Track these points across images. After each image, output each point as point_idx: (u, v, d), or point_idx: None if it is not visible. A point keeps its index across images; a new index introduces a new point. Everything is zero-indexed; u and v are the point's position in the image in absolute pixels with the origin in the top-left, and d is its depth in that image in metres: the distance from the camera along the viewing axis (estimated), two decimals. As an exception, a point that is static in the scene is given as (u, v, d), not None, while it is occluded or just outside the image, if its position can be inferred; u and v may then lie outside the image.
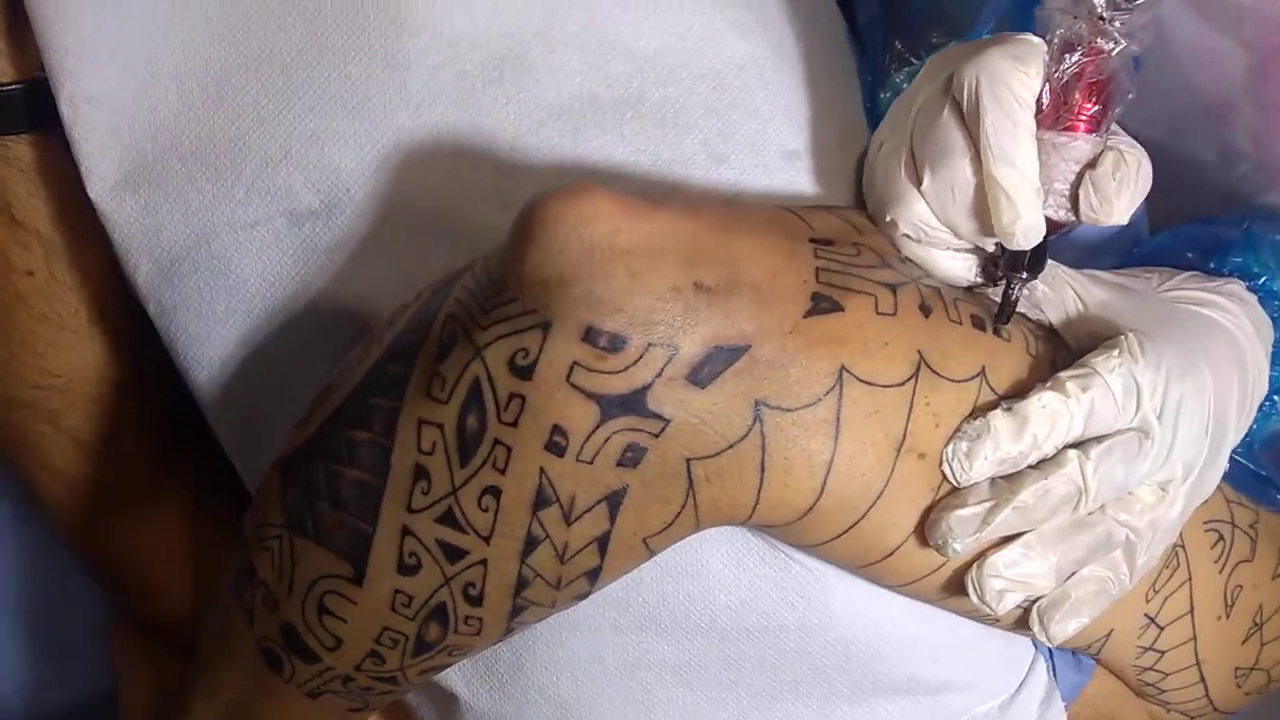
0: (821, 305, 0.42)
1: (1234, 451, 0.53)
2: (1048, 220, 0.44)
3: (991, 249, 0.46)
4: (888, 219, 0.47)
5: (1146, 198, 0.65)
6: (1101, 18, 0.42)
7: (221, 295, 0.49)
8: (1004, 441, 0.43)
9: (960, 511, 0.43)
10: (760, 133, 0.50)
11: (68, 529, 0.61)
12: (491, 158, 0.47)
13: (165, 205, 0.48)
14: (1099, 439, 0.44)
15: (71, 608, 0.70)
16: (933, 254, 0.47)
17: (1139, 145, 0.44)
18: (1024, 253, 0.44)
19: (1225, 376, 0.47)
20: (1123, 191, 0.43)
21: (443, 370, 0.40)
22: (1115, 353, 0.44)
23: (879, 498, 0.43)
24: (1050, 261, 0.48)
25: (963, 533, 0.43)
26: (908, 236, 0.46)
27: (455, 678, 0.52)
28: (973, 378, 0.44)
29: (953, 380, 0.44)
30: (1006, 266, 0.45)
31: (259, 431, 0.51)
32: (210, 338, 0.50)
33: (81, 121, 0.47)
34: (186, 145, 0.48)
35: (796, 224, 0.44)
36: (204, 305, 0.49)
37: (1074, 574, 0.46)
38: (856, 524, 0.44)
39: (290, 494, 0.44)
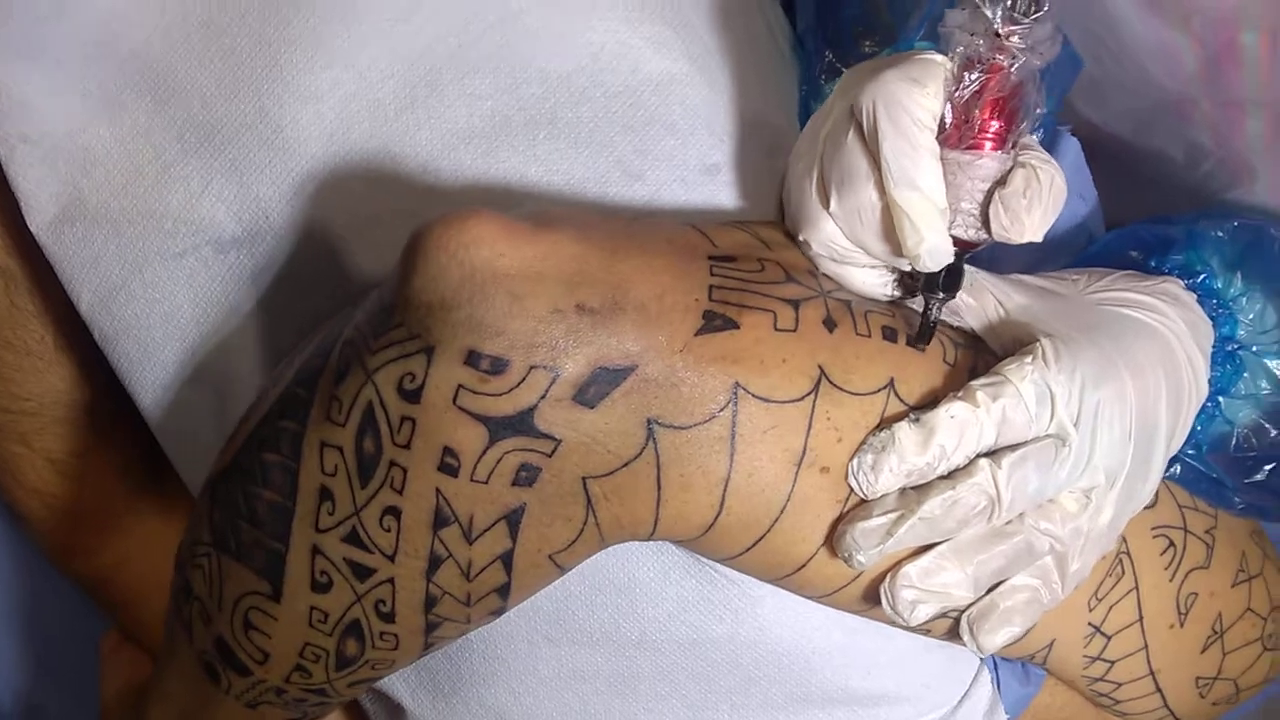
0: (714, 323, 0.42)
1: (1185, 455, 0.52)
2: (959, 240, 0.44)
3: (906, 268, 0.46)
4: (801, 238, 0.47)
5: (1117, 194, 0.64)
6: (998, 34, 0.41)
7: (158, 322, 0.51)
8: (909, 453, 0.43)
9: (864, 523, 0.43)
10: (678, 148, 0.50)
11: (49, 545, 0.64)
12: (405, 182, 0.48)
13: (100, 237, 0.50)
14: (1013, 447, 0.43)
15: (67, 620, 0.72)
16: (849, 270, 0.47)
17: (1053, 160, 0.43)
18: (938, 273, 0.44)
19: (1150, 380, 0.46)
20: (1033, 209, 0.42)
21: (339, 394, 0.41)
22: (1028, 360, 0.44)
23: (782, 512, 0.43)
24: (970, 268, 0.48)
25: (867, 545, 0.43)
26: (822, 255, 0.46)
27: (400, 688, 0.54)
28: (879, 390, 0.44)
29: (856, 394, 0.43)
30: (924, 288, 0.45)
31: (200, 451, 0.53)
32: (150, 362, 0.52)
33: (18, 160, 0.50)
34: (118, 179, 0.50)
35: (697, 241, 0.45)
36: (142, 332, 0.51)
37: (1002, 583, 0.45)
38: (763, 538, 0.44)
39: (216, 514, 0.46)
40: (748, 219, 0.50)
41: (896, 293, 0.47)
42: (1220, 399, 0.51)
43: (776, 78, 0.56)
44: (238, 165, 0.48)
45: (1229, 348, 0.51)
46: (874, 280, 0.47)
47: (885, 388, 0.44)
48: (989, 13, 0.41)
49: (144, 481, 0.65)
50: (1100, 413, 0.44)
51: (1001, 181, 0.43)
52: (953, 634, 0.47)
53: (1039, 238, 0.43)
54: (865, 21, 0.55)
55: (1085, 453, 0.44)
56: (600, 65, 0.49)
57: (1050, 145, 0.57)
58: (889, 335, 0.45)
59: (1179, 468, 0.53)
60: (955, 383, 0.45)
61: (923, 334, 0.45)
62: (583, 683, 0.51)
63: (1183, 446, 0.50)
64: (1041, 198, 0.42)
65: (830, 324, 0.44)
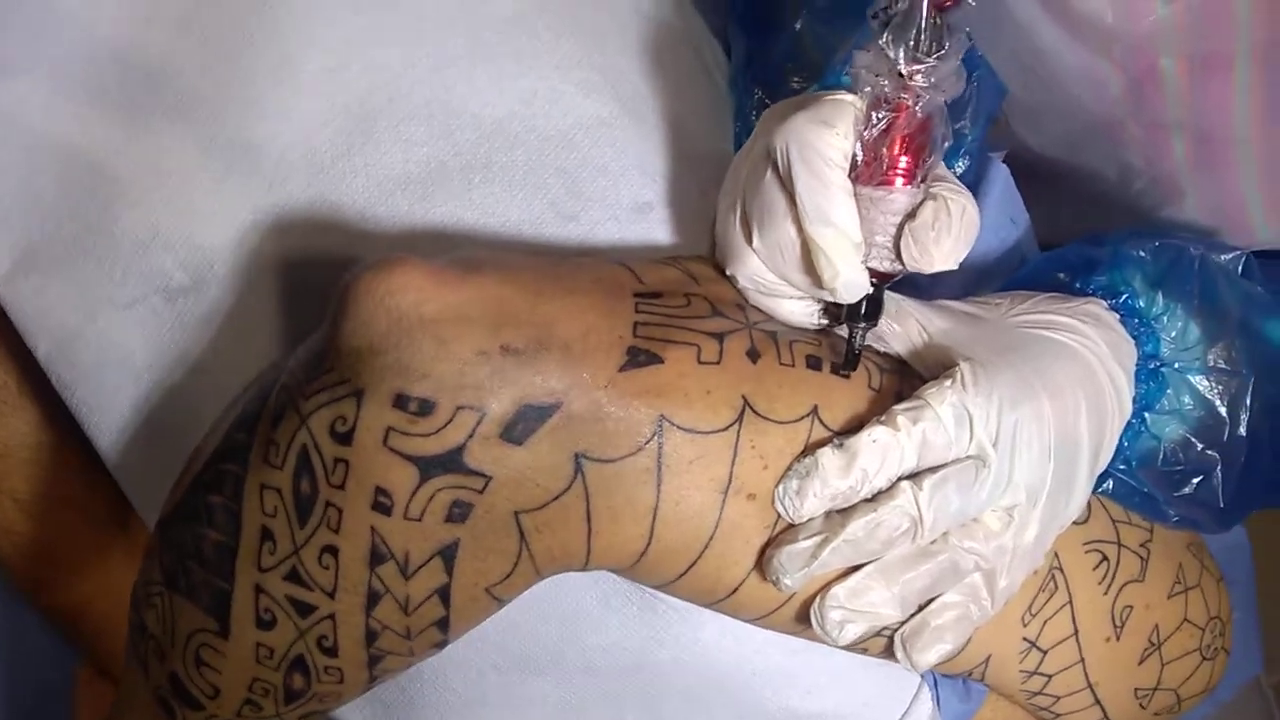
0: (639, 359, 0.43)
1: (1115, 470, 0.53)
2: (875, 271, 0.45)
3: (830, 299, 0.47)
4: (728, 273, 0.48)
5: (1058, 213, 0.66)
6: (902, 74, 0.43)
7: (112, 369, 0.52)
8: (832, 477, 0.44)
9: (791, 546, 0.44)
10: (610, 188, 0.52)
11: (18, 582, 0.65)
12: (343, 228, 0.50)
13: (53, 289, 0.52)
14: (934, 469, 0.45)
15: (40, 655, 0.74)
16: (776, 302, 0.48)
17: (965, 190, 0.45)
18: (858, 303, 0.46)
19: (1068, 399, 0.47)
20: (941, 240, 0.44)
21: (276, 438, 0.43)
22: (947, 383, 0.45)
23: (711, 539, 0.45)
24: (895, 295, 0.50)
25: (793, 568, 0.44)
26: (749, 288, 0.48)
27: (355, 717, 0.55)
28: (802, 418, 0.45)
29: (779, 422, 0.45)
30: (846, 317, 0.46)
31: (157, 492, 0.54)
32: (108, 408, 0.53)
33: None
34: (68, 232, 0.51)
35: (625, 279, 0.46)
36: (98, 378, 0.53)
37: (933, 601, 0.47)
38: (694, 564, 0.45)
39: (166, 554, 0.47)
40: (681, 254, 0.51)
41: (824, 321, 0.49)
42: (1146, 415, 0.52)
43: (713, 116, 0.58)
44: (183, 216, 0.50)
45: (1152, 365, 0.52)
46: (801, 310, 0.48)
47: (809, 415, 0.45)
48: (892, 54, 0.42)
49: (110, 520, 0.66)
50: (1018, 433, 0.45)
51: (913, 214, 0.44)
52: (889, 652, 0.48)
53: (952, 266, 0.44)
54: (794, 59, 0.56)
55: (1005, 472, 0.45)
56: (533, 110, 0.51)
57: (980, 172, 0.59)
58: (813, 364, 0.47)
59: (1111, 483, 0.54)
60: (880, 407, 0.46)
61: (848, 361, 0.47)
62: (531, 708, 0.52)
63: (1113, 462, 0.52)
64: (951, 229, 0.44)
65: (754, 355, 0.46)
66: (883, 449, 0.44)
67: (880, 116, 0.43)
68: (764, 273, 0.47)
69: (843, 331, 0.49)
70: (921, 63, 0.42)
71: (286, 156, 0.50)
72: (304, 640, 0.45)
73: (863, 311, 0.46)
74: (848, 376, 0.47)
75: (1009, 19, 0.60)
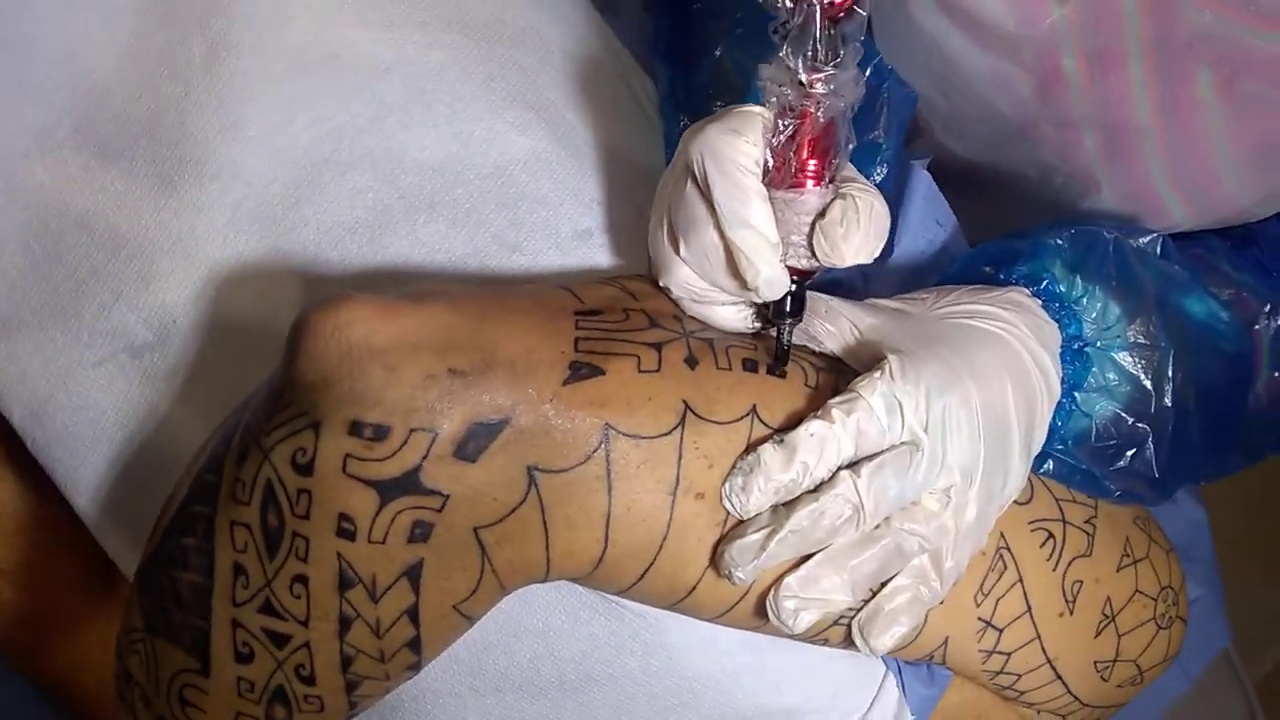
0: (581, 372, 0.46)
1: (1054, 451, 0.56)
2: (795, 269, 0.48)
3: (758, 300, 0.50)
4: (661, 284, 0.51)
5: (987, 214, 0.69)
6: (803, 82, 0.46)
7: (85, 428, 0.54)
8: (774, 472, 0.46)
9: (740, 540, 0.46)
10: (550, 218, 0.54)
11: (6, 650, 0.67)
12: (297, 276, 0.52)
13: (24, 355, 0.54)
14: (871, 457, 0.47)
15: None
16: (710, 309, 0.51)
17: (873, 188, 0.48)
18: (782, 300, 0.48)
19: (995, 383, 0.49)
20: (851, 235, 0.46)
21: (242, 475, 0.45)
22: (876, 375, 0.47)
23: (665, 539, 0.47)
24: (826, 296, 0.52)
25: (743, 560, 0.46)
26: (683, 297, 0.51)
27: (340, 749, 0.56)
28: (742, 418, 0.48)
29: (720, 423, 0.47)
30: (773, 315, 0.49)
31: (136, 547, 0.56)
32: (82, 466, 0.55)
33: None
34: (36, 300, 0.54)
35: (565, 300, 0.49)
36: (71, 439, 0.55)
37: (885, 586, 0.49)
38: (652, 566, 0.47)
39: (145, 600, 0.49)
40: (620, 274, 0.54)
41: (757, 324, 0.51)
42: (1076, 394, 0.54)
43: (645, 143, 0.61)
44: (144, 275, 0.53)
45: (1076, 345, 0.54)
46: (733, 315, 0.51)
47: (748, 415, 0.48)
48: (792, 64, 0.45)
49: (95, 584, 0.68)
50: (948, 417, 0.48)
51: (824, 213, 0.47)
52: (849, 642, 0.50)
53: (865, 260, 0.47)
54: (715, 85, 0.59)
55: (938, 455, 0.47)
56: (471, 150, 0.54)
57: (901, 179, 0.62)
58: (749, 366, 0.49)
59: (1051, 464, 0.56)
60: (818, 404, 0.48)
61: (779, 358, 0.49)
62: (511, 727, 0.54)
63: (1049, 443, 0.54)
64: (860, 224, 0.46)
65: (692, 362, 0.48)
66: (820, 441, 0.46)
67: (786, 124, 0.46)
68: (694, 280, 0.49)
69: (774, 332, 0.52)
70: (820, 71, 0.45)
71: (239, 212, 0.52)
72: (282, 671, 0.46)
73: (787, 308, 0.48)
74: (783, 375, 0.49)
75: (919, 31, 0.63)
